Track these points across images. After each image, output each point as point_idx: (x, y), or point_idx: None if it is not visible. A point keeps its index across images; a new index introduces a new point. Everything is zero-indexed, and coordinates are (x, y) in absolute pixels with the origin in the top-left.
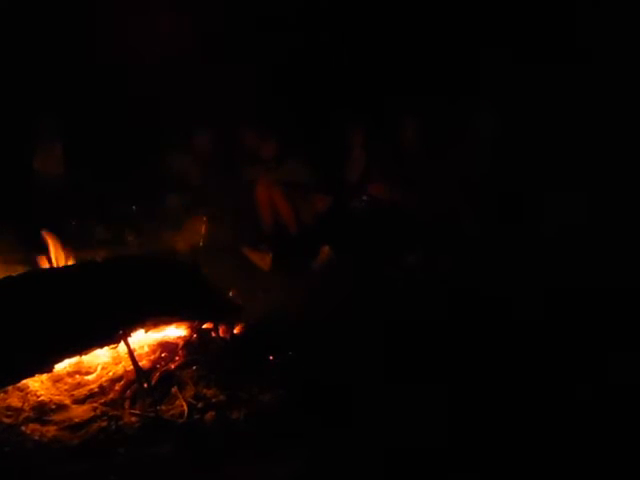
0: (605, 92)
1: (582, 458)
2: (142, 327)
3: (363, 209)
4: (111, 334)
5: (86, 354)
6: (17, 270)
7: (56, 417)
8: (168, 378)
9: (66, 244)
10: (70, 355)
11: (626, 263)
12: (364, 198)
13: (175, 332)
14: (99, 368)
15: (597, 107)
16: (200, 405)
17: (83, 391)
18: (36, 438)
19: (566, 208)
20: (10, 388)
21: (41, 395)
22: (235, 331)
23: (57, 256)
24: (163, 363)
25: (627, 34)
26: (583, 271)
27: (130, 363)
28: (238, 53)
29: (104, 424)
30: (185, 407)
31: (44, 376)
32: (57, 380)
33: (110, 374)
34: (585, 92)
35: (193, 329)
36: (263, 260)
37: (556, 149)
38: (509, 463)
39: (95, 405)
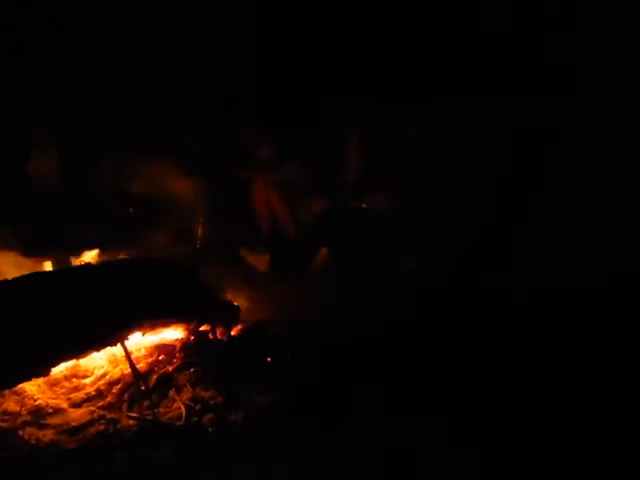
0: (604, 92)
1: (581, 458)
2: (139, 330)
3: (361, 212)
4: (108, 337)
5: (83, 357)
6: (12, 273)
7: (53, 421)
8: (166, 381)
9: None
10: (67, 358)
11: (625, 263)
12: (363, 206)
13: (172, 334)
14: (96, 371)
15: (596, 107)
16: (198, 407)
17: (80, 394)
18: (33, 442)
19: (563, 208)
20: (7, 392)
21: (38, 399)
22: (232, 333)
23: None
24: (161, 366)
25: (627, 34)
26: (581, 270)
27: (127, 366)
28: (236, 53)
29: (102, 427)
30: (183, 409)
31: (41, 380)
32: (54, 384)
33: (107, 377)
34: (584, 92)
35: (190, 331)
36: (260, 261)
37: (554, 148)
38: (509, 463)
39: (92, 408)
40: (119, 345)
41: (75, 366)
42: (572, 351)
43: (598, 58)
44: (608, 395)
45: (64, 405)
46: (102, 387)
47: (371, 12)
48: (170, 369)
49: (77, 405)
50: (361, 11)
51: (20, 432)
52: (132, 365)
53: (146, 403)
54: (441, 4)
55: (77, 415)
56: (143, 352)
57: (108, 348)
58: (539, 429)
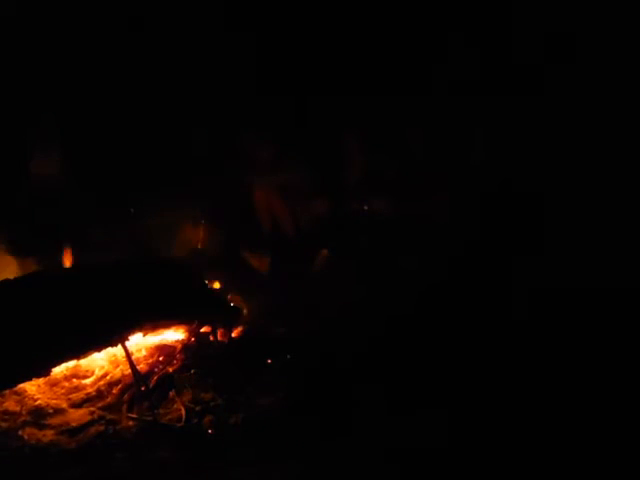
0: (605, 93)
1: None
2: (140, 330)
3: (362, 214)
4: (109, 337)
5: (84, 358)
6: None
7: (53, 421)
8: (166, 382)
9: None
10: (68, 359)
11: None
12: (365, 208)
13: (173, 336)
14: (96, 372)
15: (596, 108)
16: (198, 409)
17: (80, 395)
18: (33, 442)
19: (564, 210)
20: (7, 392)
21: (38, 399)
22: (233, 335)
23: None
24: (161, 367)
25: (627, 35)
26: (580, 271)
27: (128, 367)
28: (236, 54)
29: (101, 428)
30: (183, 411)
31: (41, 380)
32: (54, 384)
33: (108, 378)
34: (584, 93)
35: (191, 333)
36: (261, 263)
37: (555, 149)
38: (509, 464)
39: (92, 409)
40: (120, 346)
41: (75, 366)
42: (572, 351)
43: (598, 58)
44: (609, 395)
45: (64, 405)
46: (102, 388)
47: (370, 13)
48: (170, 370)
49: (77, 405)
50: (360, 12)
51: (20, 432)
52: (132, 366)
53: (146, 404)
54: (440, 4)
55: (77, 415)
56: (144, 353)
57: (109, 349)
58: (539, 428)
